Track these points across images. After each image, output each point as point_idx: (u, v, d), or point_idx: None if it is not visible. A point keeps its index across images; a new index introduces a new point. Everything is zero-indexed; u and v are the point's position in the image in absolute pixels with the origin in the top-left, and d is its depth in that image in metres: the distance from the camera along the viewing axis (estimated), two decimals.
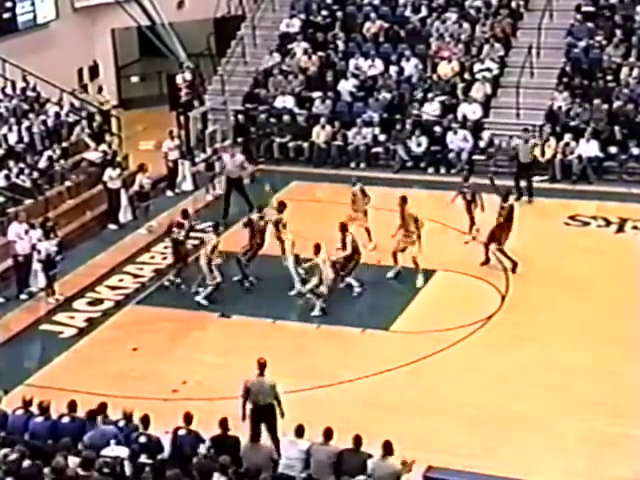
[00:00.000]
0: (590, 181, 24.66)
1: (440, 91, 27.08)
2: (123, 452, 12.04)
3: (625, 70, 26.27)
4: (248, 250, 19.85)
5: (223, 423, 12.55)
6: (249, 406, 13.87)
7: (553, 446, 14.27)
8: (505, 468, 13.22)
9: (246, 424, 13.60)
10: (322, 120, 26.79)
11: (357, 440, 12.20)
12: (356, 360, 16.99)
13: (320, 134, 26.73)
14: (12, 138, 23.33)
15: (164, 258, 21.38)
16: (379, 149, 26.64)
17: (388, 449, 11.91)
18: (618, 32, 27.04)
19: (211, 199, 24.59)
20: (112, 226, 23.06)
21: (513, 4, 28.64)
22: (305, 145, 26.90)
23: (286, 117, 27.36)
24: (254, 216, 20.06)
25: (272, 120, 27.49)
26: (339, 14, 29.72)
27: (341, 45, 29.04)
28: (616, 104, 25.58)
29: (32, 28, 28.24)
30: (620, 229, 21.90)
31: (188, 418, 12.76)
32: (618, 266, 19.75)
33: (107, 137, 25.72)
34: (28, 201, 21.90)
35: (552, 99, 26.18)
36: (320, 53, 28.83)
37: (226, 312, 18.75)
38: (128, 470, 11.75)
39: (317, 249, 18.34)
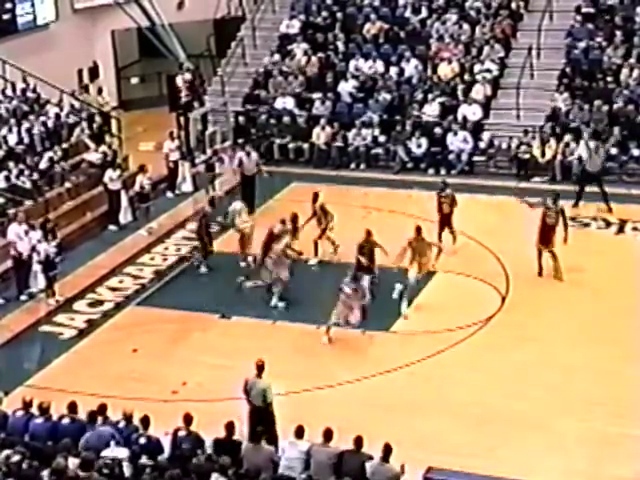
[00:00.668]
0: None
1: (440, 92, 27.09)
2: (122, 453, 12.05)
3: (625, 71, 26.27)
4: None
5: (229, 426, 12.56)
6: (248, 406, 13.90)
7: (553, 446, 14.27)
8: (505, 468, 13.22)
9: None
10: (322, 121, 26.80)
11: (358, 441, 12.19)
12: (356, 361, 16.99)
13: (320, 135, 26.74)
14: (12, 139, 23.33)
15: (164, 259, 21.40)
16: (379, 150, 26.65)
17: (387, 452, 11.90)
18: (618, 33, 27.04)
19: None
20: (112, 227, 23.07)
21: (513, 5, 28.65)
22: (305, 146, 26.91)
23: (286, 118, 27.38)
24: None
25: (272, 121, 27.50)
26: (339, 15, 29.73)
27: (341, 46, 29.05)
28: (616, 105, 25.59)
29: (32, 29, 28.27)
30: (620, 230, 21.90)
31: (188, 419, 12.75)
32: (618, 267, 19.75)
33: (107, 138, 25.71)
34: (28, 202, 21.89)
35: (552, 100, 26.19)
36: (320, 54, 28.84)
37: (226, 313, 18.75)
38: (127, 471, 11.75)
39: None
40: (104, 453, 12.02)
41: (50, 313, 19.15)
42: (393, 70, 27.90)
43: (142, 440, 12.41)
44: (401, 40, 28.73)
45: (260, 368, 14.07)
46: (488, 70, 27.28)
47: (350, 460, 12.13)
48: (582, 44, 27.20)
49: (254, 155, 23.92)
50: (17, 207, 21.40)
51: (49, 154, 23.48)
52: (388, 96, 27.28)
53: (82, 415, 13.08)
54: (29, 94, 25.68)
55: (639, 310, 17.91)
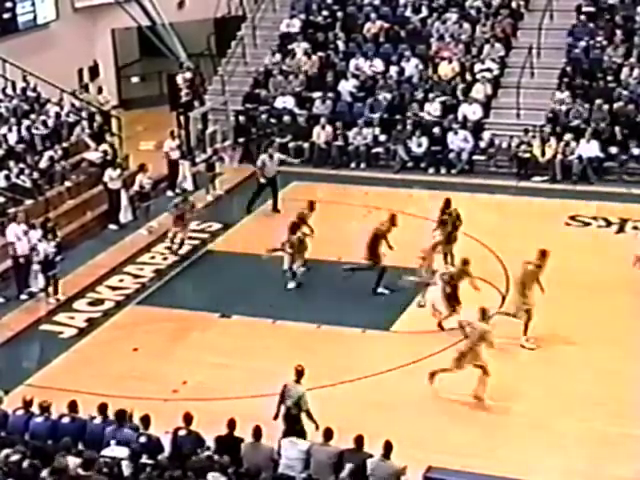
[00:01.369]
0: (590, 181, 24.67)
1: (440, 91, 27.09)
2: (123, 452, 12.05)
3: (626, 70, 26.27)
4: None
5: (231, 424, 12.56)
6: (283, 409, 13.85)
7: (553, 446, 14.27)
8: (505, 468, 13.22)
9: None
10: (322, 120, 26.79)
11: (359, 440, 12.20)
12: (357, 360, 16.99)
13: (320, 134, 26.73)
14: (12, 138, 23.32)
15: (164, 258, 21.40)
16: (379, 149, 26.65)
17: (388, 449, 11.91)
18: (618, 32, 27.05)
19: (211, 199, 24.59)
20: (112, 226, 23.06)
21: (513, 4, 28.64)
22: (305, 145, 26.89)
23: (286, 117, 27.36)
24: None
25: (272, 120, 27.49)
26: (339, 14, 29.72)
27: (341, 45, 29.05)
28: (616, 104, 25.58)
29: (32, 28, 28.26)
30: (621, 229, 21.90)
31: (188, 418, 12.75)
32: (619, 266, 19.73)
33: (107, 137, 25.70)
34: (28, 201, 21.89)
35: (553, 99, 26.19)
36: (320, 53, 28.84)
37: (226, 312, 18.75)
38: (127, 471, 11.74)
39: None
40: (104, 452, 12.04)
41: (50, 312, 19.16)
42: (393, 69, 27.90)
43: (142, 439, 12.41)
44: (401, 39, 28.71)
45: (299, 374, 13.89)
46: (488, 69, 27.27)
47: (351, 459, 12.13)
48: (582, 43, 27.20)
49: (277, 156, 23.93)
50: (17, 206, 21.40)
51: (49, 153, 23.48)
52: (389, 95, 27.28)
53: (82, 414, 13.11)
54: (29, 93, 25.67)
55: (638, 310, 17.91)
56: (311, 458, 12.32)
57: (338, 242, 21.00)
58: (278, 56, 29.15)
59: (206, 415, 13.46)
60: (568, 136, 25.08)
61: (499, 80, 27.26)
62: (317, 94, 27.83)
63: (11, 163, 22.31)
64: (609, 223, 22.26)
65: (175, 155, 25.05)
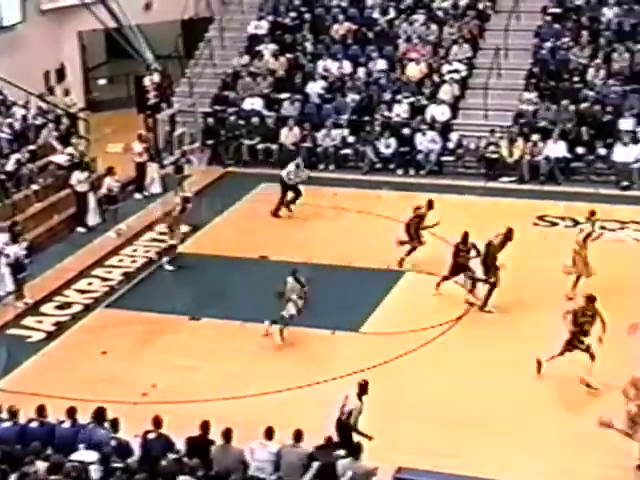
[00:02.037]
0: (558, 182, 24.83)
1: (409, 93, 27.15)
2: (91, 456, 11.99)
3: (592, 71, 26.46)
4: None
5: (204, 426, 12.55)
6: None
7: (525, 445, 14.32)
8: (476, 468, 13.27)
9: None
10: (290, 122, 26.79)
11: (329, 442, 12.19)
12: (326, 362, 16.99)
13: (289, 136, 26.72)
14: None
15: (133, 261, 21.31)
16: (348, 151, 26.67)
17: (358, 450, 11.92)
18: (584, 33, 27.24)
19: (179, 202, 24.44)
20: (80, 229, 22.94)
21: (480, 5, 28.80)
22: (274, 147, 26.87)
23: (255, 119, 27.34)
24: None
25: (241, 122, 27.44)
26: (307, 16, 29.74)
27: (309, 47, 29.06)
28: (583, 105, 25.76)
29: None
30: None
31: (157, 422, 12.71)
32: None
33: (74, 140, 25.52)
34: None
35: (520, 100, 26.32)
36: (288, 55, 28.84)
37: (196, 315, 18.70)
38: (96, 474, 11.68)
39: None
40: (73, 456, 11.97)
41: (18, 316, 19.01)
42: (361, 71, 27.94)
43: (112, 442, 12.35)
44: (369, 41, 28.78)
45: (361, 388, 13.65)
46: (456, 70, 27.38)
47: (321, 460, 12.12)
48: (549, 44, 27.39)
49: (304, 172, 23.35)
50: None
51: (16, 156, 23.30)
52: (357, 97, 27.32)
53: (51, 418, 13.03)
54: None
55: (605, 308, 18.02)
56: (281, 460, 12.31)
57: (308, 244, 20.98)
58: (246, 58, 29.13)
59: (176, 418, 13.41)
60: (535, 137, 25.23)
61: (467, 81, 27.37)
62: (285, 95, 27.83)
63: None
64: (576, 223, 22.37)
65: (143, 158, 24.95)
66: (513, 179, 25.09)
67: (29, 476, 11.36)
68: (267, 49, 28.99)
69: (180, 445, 12.48)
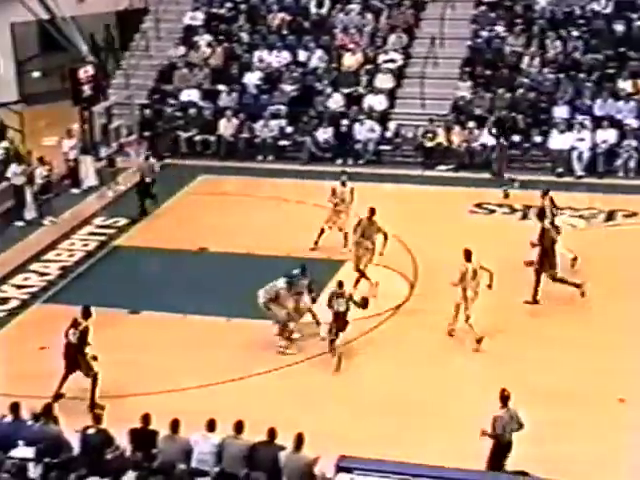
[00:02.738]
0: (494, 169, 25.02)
1: (345, 82, 27.19)
2: (30, 453, 11.87)
3: (526, 59, 26.72)
4: None
5: (145, 418, 12.50)
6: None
7: (450, 430, 14.40)
8: (414, 455, 13.32)
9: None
10: (228, 113, 26.69)
11: (271, 433, 12.20)
12: (267, 352, 16.97)
13: (227, 127, 26.62)
14: None
15: (71, 255, 21.10)
16: (286, 141, 26.63)
17: (299, 441, 11.94)
18: (519, 22, 27.48)
19: (112, 195, 24.29)
20: (18, 223, 22.68)
21: None
22: (212, 138, 26.76)
23: (192, 110, 27.19)
24: None
25: (178, 114, 27.28)
26: (243, 6, 29.63)
27: (245, 37, 28.96)
28: (518, 93, 26.00)
29: None
30: (525, 216, 22.25)
31: (97, 417, 12.62)
32: (522, 252, 20.04)
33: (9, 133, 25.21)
34: None
35: (456, 89, 26.49)
36: (225, 45, 28.71)
37: (135, 308, 18.57)
38: (35, 471, 11.57)
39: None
40: (12, 453, 11.85)
41: None
42: (299, 61, 27.90)
43: (50, 438, 12.23)
44: (306, 31, 28.75)
45: (504, 399, 13.00)
46: (392, 60, 27.46)
47: (263, 452, 12.13)
48: (484, 33, 27.59)
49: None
50: None
51: None
52: (294, 87, 27.30)
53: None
54: None
55: (546, 295, 18.29)
56: (223, 452, 12.29)
57: (249, 235, 20.94)
58: (182, 49, 28.96)
59: (116, 412, 13.33)
60: (472, 124, 25.41)
61: (403, 70, 27.47)
62: (222, 86, 27.71)
63: None
64: (513, 210, 22.62)
65: (74, 154, 24.70)
66: (450, 167, 25.26)
67: None
68: (203, 40, 28.84)
69: (120, 440, 12.38)
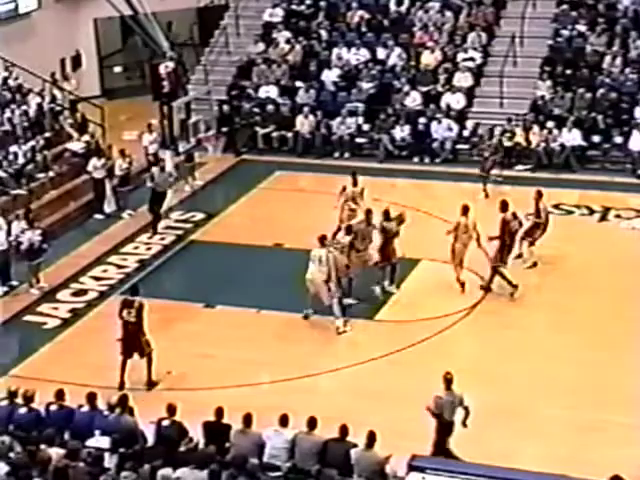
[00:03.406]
0: (573, 170, 24.75)
1: (424, 80, 27.09)
2: (107, 443, 12.05)
3: (608, 59, 26.35)
4: None
5: (218, 412, 12.60)
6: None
7: (535, 433, 14.31)
8: (488, 455, 13.24)
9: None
10: (305, 110, 26.76)
11: (343, 430, 12.22)
12: (340, 349, 17.01)
13: (304, 124, 26.69)
14: None
15: (148, 248, 21.36)
16: (363, 139, 26.63)
17: (372, 439, 11.94)
18: (601, 21, 27.11)
19: (189, 190, 24.48)
20: (98, 216, 23.02)
21: None
22: (289, 135, 26.86)
23: (270, 107, 27.32)
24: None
25: (256, 110, 27.43)
26: (322, 3, 29.68)
27: (324, 34, 29.01)
28: (599, 93, 25.66)
29: (14, 18, 28.08)
30: (603, 218, 21.99)
31: (172, 409, 12.76)
32: (601, 254, 19.82)
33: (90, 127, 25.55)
34: (12, 192, 21.82)
35: (535, 88, 26.23)
36: (304, 42, 28.79)
37: (210, 302, 18.73)
38: (111, 461, 11.74)
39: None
40: (88, 442, 12.04)
41: (33, 303, 19.09)
42: (377, 59, 27.87)
43: (126, 429, 12.41)
44: (384, 28, 28.72)
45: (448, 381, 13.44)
46: (471, 58, 27.30)
47: (334, 448, 12.16)
48: (565, 32, 27.27)
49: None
50: (0, 197, 21.31)
51: (32, 143, 23.37)
52: (372, 85, 27.27)
53: (69, 404, 13.10)
54: (11, 82, 25.52)
55: (622, 298, 18.00)
56: (295, 447, 12.34)
57: (323, 231, 20.93)
58: (261, 45, 29.11)
59: (189, 405, 13.47)
60: (550, 124, 25.14)
61: (482, 69, 27.28)
62: (300, 83, 27.80)
63: None
64: (592, 211, 22.34)
65: (154, 148, 24.95)
66: (528, 167, 25.02)
67: (47, 462, 11.42)
68: (282, 36, 28.96)
69: (193, 433, 12.51)
